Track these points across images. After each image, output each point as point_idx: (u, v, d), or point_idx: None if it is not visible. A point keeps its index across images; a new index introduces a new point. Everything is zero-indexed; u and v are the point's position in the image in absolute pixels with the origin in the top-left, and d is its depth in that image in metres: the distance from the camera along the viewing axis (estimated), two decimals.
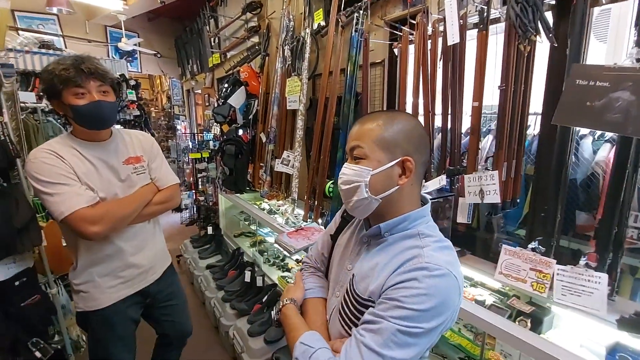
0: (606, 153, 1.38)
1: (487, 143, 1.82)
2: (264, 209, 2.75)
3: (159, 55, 5.52)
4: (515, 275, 1.22)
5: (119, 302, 1.26)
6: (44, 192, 1.05)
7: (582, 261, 1.11)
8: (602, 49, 1.91)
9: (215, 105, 3.76)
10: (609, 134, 1.48)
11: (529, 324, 1.24)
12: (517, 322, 1.25)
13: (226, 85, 3.17)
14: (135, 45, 4.97)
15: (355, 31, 1.81)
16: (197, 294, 2.89)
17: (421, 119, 1.66)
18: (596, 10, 1.25)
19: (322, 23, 2.13)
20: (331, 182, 2.03)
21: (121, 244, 1.23)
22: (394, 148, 0.71)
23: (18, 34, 3.75)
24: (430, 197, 1.53)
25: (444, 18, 1.44)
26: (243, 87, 2.93)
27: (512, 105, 1.27)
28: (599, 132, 1.58)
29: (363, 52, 1.83)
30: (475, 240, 1.77)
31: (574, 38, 1.06)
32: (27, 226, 1.24)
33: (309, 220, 2.22)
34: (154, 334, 1.56)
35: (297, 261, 2.50)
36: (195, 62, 4.84)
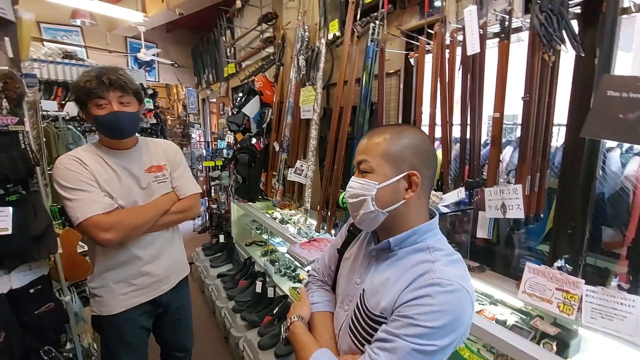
0: (636, 167, 1.31)
1: (506, 155, 1.76)
2: (275, 218, 2.73)
3: (176, 65, 5.65)
4: (540, 295, 1.15)
5: (130, 310, 1.26)
6: (64, 197, 1.09)
7: (614, 282, 1.05)
8: (626, 59, 1.84)
9: (230, 114, 3.81)
10: (637, 147, 1.41)
11: (554, 347, 1.17)
12: (541, 345, 1.18)
13: (241, 94, 3.20)
14: (153, 55, 5.10)
15: (371, 41, 1.80)
16: (208, 303, 2.87)
17: (438, 129, 1.63)
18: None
19: (338, 33, 2.13)
20: (345, 192, 2.00)
21: (136, 251, 1.23)
22: (400, 162, 0.71)
23: (43, 45, 3.89)
24: (449, 211, 1.51)
25: (463, 27, 1.41)
26: (257, 96, 2.95)
27: (535, 117, 1.22)
28: (626, 145, 1.50)
29: (379, 62, 1.81)
30: (494, 255, 1.70)
31: (603, 48, 1.02)
32: (43, 234, 1.25)
33: (321, 231, 2.19)
34: None
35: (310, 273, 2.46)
36: (211, 71, 4.93)
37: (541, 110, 1.24)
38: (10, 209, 1.15)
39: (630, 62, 1.83)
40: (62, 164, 1.11)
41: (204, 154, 4.60)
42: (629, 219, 1.29)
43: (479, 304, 1.53)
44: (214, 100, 5.61)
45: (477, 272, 1.57)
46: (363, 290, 0.75)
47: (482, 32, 1.35)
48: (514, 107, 1.44)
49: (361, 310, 0.74)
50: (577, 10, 1.23)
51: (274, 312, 2.07)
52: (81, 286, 1.84)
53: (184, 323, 1.50)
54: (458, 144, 1.84)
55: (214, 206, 3.99)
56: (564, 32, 1.14)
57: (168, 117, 7.24)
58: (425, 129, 1.69)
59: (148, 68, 5.45)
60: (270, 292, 2.25)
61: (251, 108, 2.92)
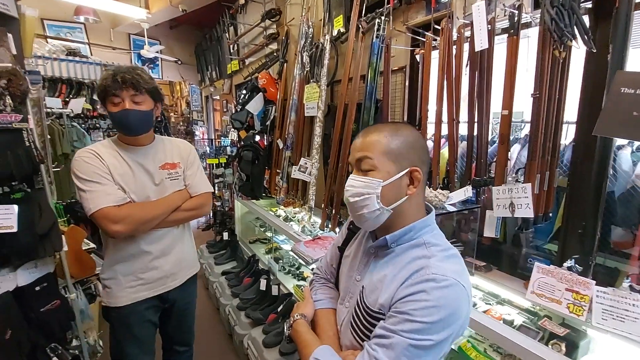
0: None
1: (514, 153, 1.74)
2: (279, 216, 2.73)
3: (179, 62, 5.65)
4: (549, 295, 1.14)
5: (137, 303, 1.29)
6: (80, 187, 1.14)
7: (625, 283, 1.03)
8: (636, 55, 1.81)
9: (233, 111, 3.80)
10: None
11: (563, 348, 1.15)
12: (550, 346, 1.16)
13: (244, 91, 3.19)
14: (157, 52, 5.09)
15: (377, 37, 1.78)
16: (212, 300, 2.88)
17: (445, 126, 1.61)
18: None
19: (342, 29, 2.11)
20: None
21: (145, 246, 1.26)
22: (401, 159, 0.71)
23: (47, 42, 3.90)
24: (455, 209, 1.49)
25: (471, 23, 1.39)
26: (261, 93, 2.93)
27: (545, 114, 1.20)
28: (637, 143, 1.48)
29: (384, 59, 1.79)
30: (501, 254, 1.68)
31: (616, 44, 0.99)
32: (49, 231, 1.25)
33: (326, 229, 2.17)
34: None
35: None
36: (215, 68, 4.92)
37: (551, 107, 1.22)
38: (16, 206, 1.15)
39: (639, 59, 1.80)
40: (81, 157, 1.16)
41: (208, 152, 4.60)
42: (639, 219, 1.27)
43: (486, 303, 1.52)
44: (217, 97, 5.60)
45: (484, 271, 1.55)
46: (363, 287, 0.77)
47: (490, 28, 1.33)
48: (521, 104, 1.42)
49: (361, 307, 0.75)
50: (589, 5, 1.21)
51: (279, 309, 2.07)
52: (87, 283, 1.85)
53: (188, 320, 1.53)
54: (464, 142, 1.83)
55: (218, 204, 4.00)
56: (575, 27, 1.11)
57: (171, 114, 7.25)
58: (431, 126, 1.67)
59: (151, 65, 5.45)
60: (274, 290, 2.25)
61: (255, 105, 2.91)
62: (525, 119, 1.92)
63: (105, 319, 1.33)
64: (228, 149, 3.94)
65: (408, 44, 1.83)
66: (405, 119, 1.94)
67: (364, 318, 0.74)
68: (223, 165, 3.74)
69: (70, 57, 3.69)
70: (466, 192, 1.47)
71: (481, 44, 1.33)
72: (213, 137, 5.75)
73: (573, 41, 1.12)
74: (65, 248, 1.39)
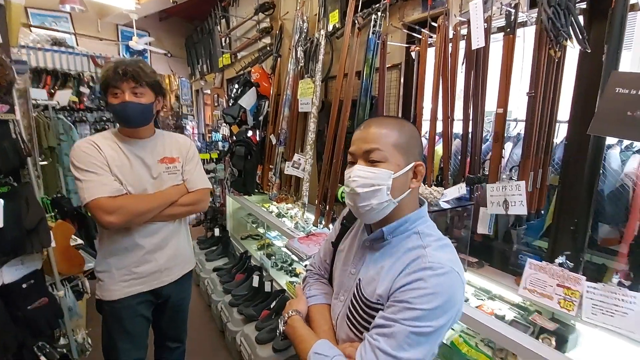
0: (636, 164, 1.32)
1: (506, 151, 1.76)
2: (272, 212, 2.71)
3: (169, 55, 5.53)
4: (540, 291, 1.16)
5: (130, 298, 1.28)
6: (76, 177, 1.14)
7: (615, 279, 1.05)
8: (626, 57, 1.85)
9: (225, 105, 3.74)
10: (637, 145, 1.42)
11: (553, 342, 1.18)
12: (540, 340, 1.19)
13: (237, 85, 3.14)
14: (146, 44, 4.97)
15: (373, 33, 1.77)
16: (203, 297, 2.85)
17: (439, 124, 1.61)
18: None
19: (338, 25, 2.09)
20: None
21: (140, 239, 1.25)
22: (409, 153, 0.74)
23: (30, 31, 3.76)
24: (449, 206, 1.51)
25: (467, 21, 1.39)
26: (254, 88, 2.90)
27: (540, 113, 1.22)
28: (626, 142, 1.51)
29: (380, 55, 1.78)
30: (492, 251, 1.71)
31: (611, 44, 1.01)
32: (36, 227, 1.21)
33: (319, 225, 2.17)
34: None
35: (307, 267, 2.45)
36: (205, 62, 4.84)
37: (545, 106, 1.24)
38: (1, 201, 1.11)
39: (629, 60, 1.84)
40: (79, 147, 1.16)
41: (199, 146, 4.53)
42: (628, 216, 1.30)
43: (478, 299, 1.54)
44: (208, 91, 5.51)
45: (476, 267, 1.57)
46: (359, 279, 0.77)
47: (486, 26, 1.33)
48: (513, 102, 1.43)
49: (358, 299, 0.76)
50: (583, 5, 1.22)
51: (272, 306, 2.06)
52: (74, 280, 1.80)
53: (181, 316, 1.52)
54: (457, 139, 1.84)
55: (209, 199, 3.95)
56: (570, 27, 1.13)
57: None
58: (426, 123, 1.68)
59: (140, 57, 5.32)
60: (267, 286, 2.24)
61: (248, 100, 2.87)
62: (517, 118, 1.95)
63: (98, 312, 1.31)
64: (220, 144, 3.88)
65: (403, 41, 1.83)
66: (400, 115, 1.95)
67: (361, 310, 0.75)
68: (214, 160, 3.69)
69: (55, 47, 3.57)
70: (460, 189, 1.48)
71: (478, 42, 1.34)
72: (204, 132, 5.67)
73: (568, 41, 1.14)
74: (53, 244, 1.34)
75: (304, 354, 0.73)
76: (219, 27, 4.14)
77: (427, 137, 1.63)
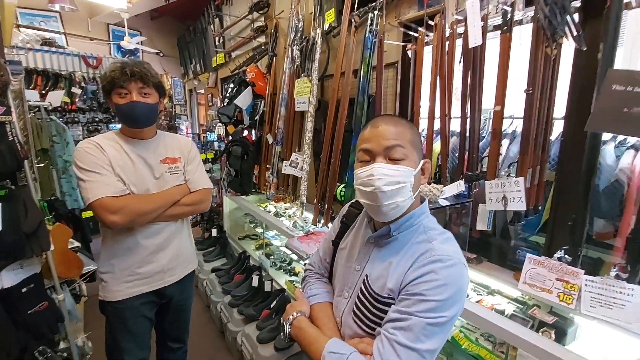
0: (631, 159, 1.35)
1: (503, 148, 1.78)
2: (270, 212, 2.71)
3: (161, 54, 5.47)
4: (540, 285, 1.18)
5: (133, 298, 1.28)
6: (79, 177, 1.14)
7: (613, 272, 1.08)
8: (618, 53, 1.88)
9: (219, 105, 3.72)
10: (631, 140, 1.45)
11: (552, 335, 1.20)
12: (540, 333, 1.21)
13: (232, 85, 3.12)
14: (137, 43, 4.91)
15: (370, 32, 1.77)
16: (202, 298, 2.84)
17: (437, 121, 1.63)
18: None
19: (334, 23, 2.09)
20: (343, 185, 1.98)
21: (142, 239, 1.26)
22: (420, 150, 0.77)
23: (19, 31, 3.69)
24: (449, 203, 1.52)
25: (464, 19, 1.41)
26: (250, 87, 2.88)
27: (537, 110, 1.24)
28: (620, 138, 1.54)
29: (377, 54, 1.79)
30: (490, 246, 1.73)
31: (607, 42, 1.03)
32: (35, 230, 1.20)
33: (318, 224, 2.17)
34: None
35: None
36: (199, 61, 4.79)
37: (542, 103, 1.25)
38: None
39: (621, 56, 1.87)
40: (82, 147, 1.17)
41: None
42: (622, 211, 1.33)
43: (477, 294, 1.56)
44: (202, 91, 5.47)
45: (475, 263, 1.59)
46: (366, 275, 0.78)
47: (483, 25, 1.35)
48: (509, 100, 1.45)
49: (366, 295, 0.77)
50: (578, 4, 1.24)
51: (272, 305, 2.06)
52: (73, 283, 1.78)
53: (184, 316, 1.52)
54: (454, 137, 1.86)
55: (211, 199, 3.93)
56: (566, 25, 1.15)
57: None
58: (423, 121, 1.69)
59: (132, 57, 5.25)
60: (267, 286, 2.24)
61: (243, 99, 2.86)
62: (513, 115, 1.97)
63: (101, 313, 1.31)
64: (215, 144, 3.86)
65: (399, 39, 1.84)
66: (397, 113, 1.96)
67: (370, 305, 0.76)
68: (210, 160, 3.67)
69: (45, 48, 3.51)
70: (459, 186, 1.50)
71: (475, 40, 1.35)
72: (198, 132, 5.62)
73: (564, 39, 1.16)
74: (52, 247, 1.33)
75: (317, 354, 0.73)
76: (212, 26, 4.10)
77: (425, 135, 1.64)
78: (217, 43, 4.00)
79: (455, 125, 1.69)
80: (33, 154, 1.48)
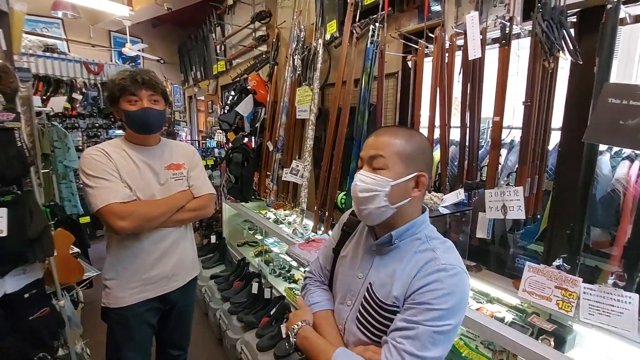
0: (626, 170, 1.38)
1: (501, 157, 1.81)
2: (269, 219, 2.72)
3: (162, 61, 5.52)
4: (539, 293, 1.20)
5: (138, 305, 1.28)
6: (87, 184, 1.15)
7: (610, 280, 1.10)
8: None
9: (219, 112, 3.74)
10: (626, 151, 1.49)
11: (552, 343, 1.22)
12: (540, 341, 1.22)
13: (233, 92, 3.15)
14: (139, 50, 4.96)
15: (371, 43, 1.81)
16: (200, 305, 2.82)
17: (437, 131, 1.66)
18: None
19: (336, 34, 2.13)
20: (343, 193, 2.00)
21: (148, 245, 1.27)
22: (411, 163, 0.76)
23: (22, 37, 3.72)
24: (449, 212, 1.54)
25: (463, 32, 1.45)
26: (251, 95, 2.92)
27: (535, 121, 1.27)
28: (615, 149, 1.58)
29: (378, 64, 1.83)
30: (489, 255, 1.75)
31: (602, 56, 1.06)
32: (40, 236, 1.20)
33: (319, 231, 2.18)
34: None
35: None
36: (199, 69, 4.84)
37: (540, 115, 1.29)
38: (5, 210, 1.09)
39: (615, 68, 1.92)
40: (89, 154, 1.18)
41: None
42: (619, 220, 1.36)
43: (477, 302, 1.58)
44: (202, 98, 5.51)
45: (474, 271, 1.61)
46: (370, 283, 0.79)
47: (482, 38, 1.39)
48: (507, 110, 1.49)
49: (371, 303, 0.77)
50: (574, 19, 1.29)
51: (271, 313, 2.06)
52: (71, 290, 1.77)
53: (185, 322, 1.52)
54: (452, 146, 1.89)
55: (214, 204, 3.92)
56: (562, 40, 1.18)
57: None
58: (423, 130, 1.72)
59: (133, 64, 5.30)
60: (266, 293, 2.23)
61: (245, 107, 2.89)
62: (511, 125, 2.01)
63: (103, 320, 1.30)
64: (216, 150, 3.88)
65: (400, 50, 1.88)
66: (397, 122, 1.99)
67: (375, 312, 0.76)
68: (210, 167, 3.68)
69: (47, 54, 3.54)
70: (459, 194, 1.52)
71: (474, 52, 1.39)
72: (197, 139, 5.64)
73: (561, 53, 1.20)
74: (54, 253, 1.33)
75: None
76: (214, 35, 4.15)
77: None
78: (218, 51, 4.05)
79: (454, 135, 1.72)
80: (39, 159, 1.49)
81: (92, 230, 3.91)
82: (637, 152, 1.38)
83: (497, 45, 1.37)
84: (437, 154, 1.79)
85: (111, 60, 5.07)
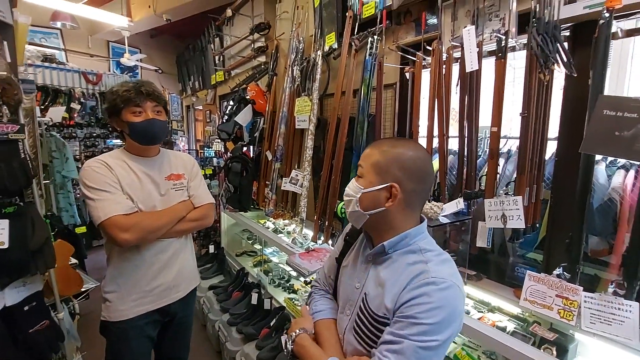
0: (622, 179, 1.41)
1: (499, 167, 1.84)
2: (268, 228, 2.71)
3: (160, 71, 5.55)
4: (541, 302, 1.21)
5: (138, 318, 1.27)
6: (88, 197, 1.14)
7: (611, 289, 1.11)
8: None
9: (217, 121, 3.75)
10: (621, 161, 1.52)
11: (554, 352, 1.22)
12: (542, 350, 1.23)
13: (231, 102, 3.18)
14: (137, 60, 4.98)
15: (370, 55, 1.85)
16: (198, 316, 2.79)
17: (435, 140, 1.68)
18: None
19: (334, 45, 2.17)
20: (343, 202, 2.01)
21: (149, 257, 1.26)
22: (385, 173, 0.76)
23: None
24: (448, 221, 1.55)
25: (460, 45, 1.48)
26: (250, 105, 2.94)
27: (532, 132, 1.29)
28: (610, 158, 1.61)
29: (377, 76, 1.86)
30: (489, 263, 1.76)
31: (596, 69, 1.10)
32: (41, 248, 1.19)
33: (318, 241, 2.18)
34: None
35: (306, 282, 2.44)
36: (197, 78, 4.87)
37: (537, 125, 1.32)
38: (7, 221, 1.09)
39: (607, 79, 1.98)
40: (90, 166, 1.17)
41: None
42: (616, 228, 1.38)
43: (478, 311, 1.58)
44: (200, 107, 5.53)
45: (475, 280, 1.61)
46: (365, 294, 0.80)
47: (478, 50, 1.42)
48: (504, 120, 1.52)
49: (365, 313, 0.78)
50: (567, 33, 1.33)
51: (271, 324, 2.04)
52: (69, 302, 1.75)
53: (185, 334, 1.51)
54: (451, 156, 1.91)
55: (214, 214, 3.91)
56: (557, 53, 1.22)
57: None
58: (422, 140, 1.74)
59: (131, 73, 5.32)
60: (266, 304, 2.22)
61: (244, 117, 2.91)
62: (508, 135, 2.05)
63: (102, 335, 1.28)
64: (214, 160, 3.88)
65: (398, 62, 1.91)
66: (396, 132, 2.01)
67: (369, 323, 0.77)
68: (208, 176, 3.68)
69: (46, 64, 3.55)
70: (458, 204, 1.54)
71: (471, 65, 1.42)
72: (195, 148, 5.64)
73: (556, 65, 1.23)
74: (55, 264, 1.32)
75: None
76: (212, 46, 4.19)
77: None
78: (216, 61, 4.08)
79: (452, 144, 1.74)
80: (41, 170, 1.49)
81: (88, 240, 3.87)
82: (632, 161, 1.41)
83: (494, 57, 1.40)
84: (435, 164, 1.81)
85: (109, 70, 5.08)
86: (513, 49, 1.46)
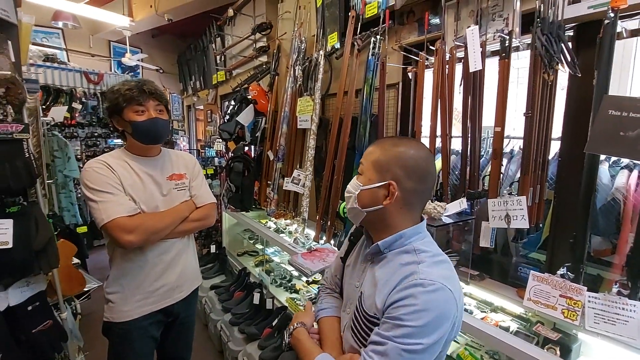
0: (625, 179, 1.40)
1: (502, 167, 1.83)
2: (270, 228, 2.71)
3: (161, 71, 5.55)
4: (544, 302, 1.21)
5: (142, 318, 1.27)
6: (90, 198, 1.12)
7: (615, 288, 1.11)
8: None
9: (219, 121, 3.75)
10: (624, 161, 1.51)
11: (557, 352, 1.22)
12: (545, 350, 1.22)
13: (233, 102, 3.18)
14: (139, 60, 4.98)
15: (372, 55, 1.85)
16: (200, 316, 2.79)
17: (438, 140, 1.68)
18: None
19: (337, 45, 2.17)
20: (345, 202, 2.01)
21: (153, 257, 1.26)
22: (384, 171, 0.76)
23: None
24: (452, 221, 1.55)
25: (463, 45, 1.48)
26: (251, 105, 2.94)
27: (537, 132, 1.29)
28: (613, 158, 1.61)
29: (379, 75, 1.86)
30: (492, 263, 1.75)
31: (601, 69, 1.09)
32: (45, 247, 1.19)
33: (320, 241, 2.18)
34: None
35: (308, 282, 2.44)
36: (199, 78, 4.87)
37: (541, 125, 1.31)
38: (11, 221, 1.09)
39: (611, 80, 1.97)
40: (91, 167, 1.16)
41: None
42: (620, 228, 1.38)
43: (481, 311, 1.58)
44: (201, 107, 5.53)
45: (478, 280, 1.61)
46: (361, 293, 0.80)
47: (481, 50, 1.42)
48: (507, 119, 1.52)
49: (360, 312, 0.78)
50: (571, 33, 1.33)
51: (274, 324, 2.04)
52: (71, 302, 1.75)
53: (188, 334, 1.50)
54: (453, 155, 1.91)
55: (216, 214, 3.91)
56: (561, 54, 1.22)
57: None
58: (424, 140, 1.74)
59: (132, 73, 5.32)
60: (268, 304, 2.22)
61: (245, 117, 2.91)
62: (510, 134, 2.04)
63: (104, 336, 1.28)
64: (216, 160, 3.88)
65: (400, 62, 1.91)
66: (398, 132, 2.01)
67: (362, 323, 0.77)
68: (210, 176, 3.68)
69: (48, 63, 3.55)
70: (461, 204, 1.54)
71: (475, 65, 1.42)
72: (196, 148, 5.64)
73: (560, 65, 1.23)
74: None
75: None
76: (214, 45, 4.19)
77: None
78: (218, 61, 4.08)
79: (455, 144, 1.74)
80: (44, 169, 1.49)
81: (89, 240, 3.87)
82: (636, 161, 1.41)
83: (497, 57, 1.40)
84: (438, 163, 1.81)
85: (110, 70, 5.09)
86: (517, 49, 1.46)
